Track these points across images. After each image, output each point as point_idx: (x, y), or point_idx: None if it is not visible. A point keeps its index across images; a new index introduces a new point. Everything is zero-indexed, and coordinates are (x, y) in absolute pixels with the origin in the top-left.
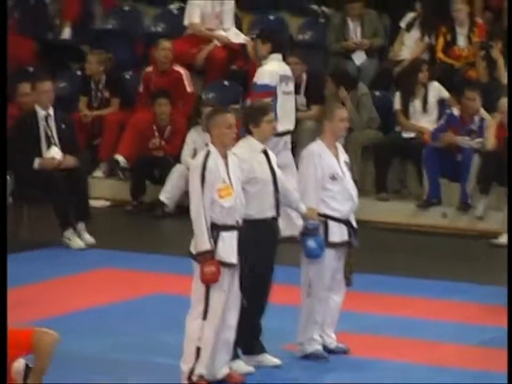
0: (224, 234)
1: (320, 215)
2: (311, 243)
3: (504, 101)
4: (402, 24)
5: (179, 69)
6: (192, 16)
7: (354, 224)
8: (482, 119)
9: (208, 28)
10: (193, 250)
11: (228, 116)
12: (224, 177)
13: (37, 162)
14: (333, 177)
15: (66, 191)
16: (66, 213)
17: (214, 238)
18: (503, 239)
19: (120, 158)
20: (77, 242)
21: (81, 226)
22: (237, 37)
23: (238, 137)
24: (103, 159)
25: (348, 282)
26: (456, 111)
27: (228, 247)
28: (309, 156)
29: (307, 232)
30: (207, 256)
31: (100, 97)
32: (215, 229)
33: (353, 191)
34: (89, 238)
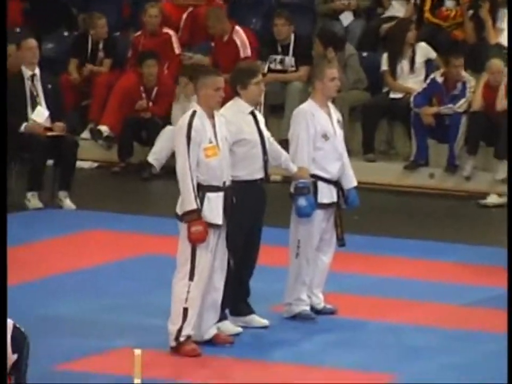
0: (209, 195)
1: (310, 175)
2: (302, 202)
3: (492, 62)
4: None
5: (168, 30)
6: None
7: (353, 184)
8: (464, 83)
9: None
10: (179, 210)
11: (218, 78)
12: (211, 137)
13: (23, 126)
14: (325, 136)
15: (46, 157)
16: (38, 178)
17: (200, 198)
18: (491, 200)
19: (103, 128)
20: (35, 204)
21: (62, 194)
22: None
23: (225, 101)
24: (91, 120)
25: (341, 243)
26: (439, 77)
27: (214, 208)
28: (301, 115)
29: (298, 191)
30: (194, 216)
31: (94, 58)
32: (201, 190)
33: (343, 151)
34: (70, 205)
